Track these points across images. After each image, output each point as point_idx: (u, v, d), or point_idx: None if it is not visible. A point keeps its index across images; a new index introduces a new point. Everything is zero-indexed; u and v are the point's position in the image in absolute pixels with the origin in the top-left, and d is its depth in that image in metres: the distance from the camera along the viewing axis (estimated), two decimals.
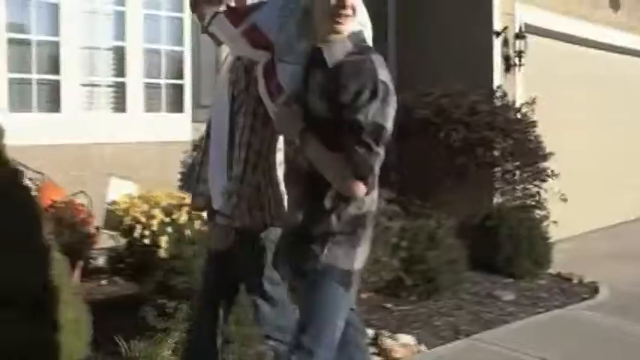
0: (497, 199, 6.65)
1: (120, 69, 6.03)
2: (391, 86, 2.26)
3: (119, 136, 5.88)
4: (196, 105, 6.32)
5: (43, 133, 5.48)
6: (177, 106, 6.30)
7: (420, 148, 6.29)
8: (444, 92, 6.32)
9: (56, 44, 5.64)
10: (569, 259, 6.75)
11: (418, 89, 6.59)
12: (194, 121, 6.28)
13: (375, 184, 2.35)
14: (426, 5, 7.41)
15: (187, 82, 6.31)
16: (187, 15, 6.18)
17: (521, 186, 6.63)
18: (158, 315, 3.88)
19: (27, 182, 3.82)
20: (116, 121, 5.95)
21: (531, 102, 6.52)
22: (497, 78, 7.00)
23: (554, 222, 6.48)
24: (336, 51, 2.33)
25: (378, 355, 4.34)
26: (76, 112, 5.75)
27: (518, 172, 6.49)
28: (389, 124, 2.26)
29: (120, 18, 5.99)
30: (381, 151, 2.26)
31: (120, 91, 6.04)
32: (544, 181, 6.50)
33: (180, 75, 6.28)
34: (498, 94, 6.49)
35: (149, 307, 3.90)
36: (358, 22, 2.44)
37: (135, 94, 6.02)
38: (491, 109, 6.21)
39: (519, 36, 7.03)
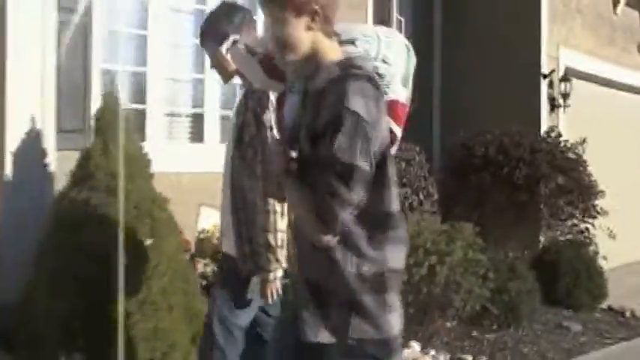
0: (545, 235, 6.94)
1: (199, 100, 6.20)
2: (368, 117, 1.90)
3: (198, 165, 6.01)
4: None
5: None
6: None
7: (480, 185, 6.55)
8: (503, 132, 6.62)
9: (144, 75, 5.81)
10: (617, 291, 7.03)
11: (473, 129, 6.91)
12: None
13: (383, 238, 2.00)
14: (474, 44, 7.75)
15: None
16: None
17: (570, 222, 6.94)
18: None
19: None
20: (194, 150, 6.09)
21: (582, 142, 6.86)
22: (544, 118, 7.36)
23: (604, 257, 6.79)
24: (318, 80, 2.01)
25: None
26: (158, 142, 5.88)
27: (569, 209, 6.79)
28: (361, 162, 1.90)
29: (199, 51, 6.17)
30: (352, 195, 1.91)
31: (198, 121, 6.19)
32: (594, 217, 6.81)
33: None
34: (553, 134, 6.82)
35: None
36: (356, 43, 2.17)
37: (211, 125, 6.18)
38: (549, 148, 6.53)
39: (564, 79, 7.41)
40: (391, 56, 2.24)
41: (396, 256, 2.04)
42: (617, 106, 8.80)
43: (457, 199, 6.64)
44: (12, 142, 3.98)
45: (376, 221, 2.00)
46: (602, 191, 6.77)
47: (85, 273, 3.32)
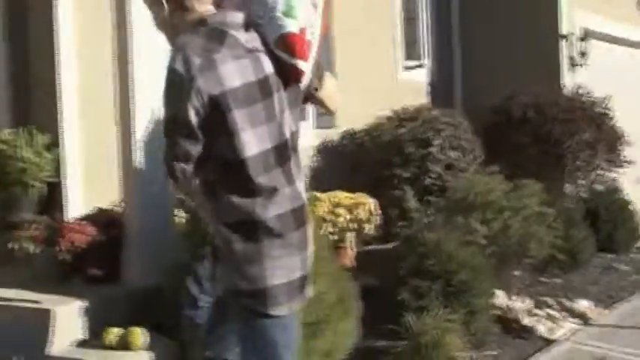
0: (576, 185, 7.44)
1: None
2: (183, 68, 1.97)
3: None
4: (318, 112, 6.80)
5: None
6: (301, 114, 6.74)
7: (517, 144, 6.98)
8: (538, 94, 7.06)
9: None
10: None
11: (494, 91, 7.34)
12: (317, 127, 6.78)
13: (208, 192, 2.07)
14: (492, 8, 8.13)
15: None
16: None
17: (595, 172, 7.46)
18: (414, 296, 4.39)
19: None
20: None
21: (608, 98, 7.35)
22: (565, 77, 7.83)
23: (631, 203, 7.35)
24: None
25: (573, 317, 5.00)
26: None
27: (595, 160, 7.29)
28: (169, 112, 2.03)
29: None
30: (176, 147, 2.01)
31: None
32: (621, 166, 7.34)
33: None
34: (581, 91, 7.29)
35: (404, 289, 4.40)
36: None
37: None
38: (582, 105, 7.01)
39: (582, 39, 7.89)
40: None
41: (270, 207, 2.04)
42: (635, 65, 9.29)
43: (494, 159, 7.06)
44: (139, 131, 4.21)
45: (235, 168, 2.02)
46: (628, 142, 7.29)
47: None
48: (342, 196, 5.54)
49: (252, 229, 2.05)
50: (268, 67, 2.10)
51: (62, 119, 5.03)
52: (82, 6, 4.98)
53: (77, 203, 5.11)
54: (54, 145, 5.00)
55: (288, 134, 2.13)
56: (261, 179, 2.05)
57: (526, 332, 4.74)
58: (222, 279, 2.19)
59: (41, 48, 5.00)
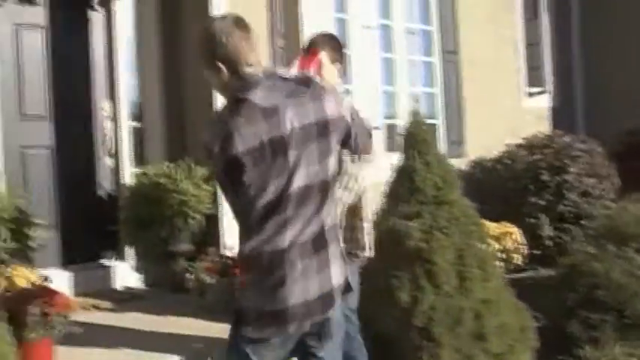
0: None
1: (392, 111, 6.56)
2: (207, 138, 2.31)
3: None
4: (450, 142, 6.82)
5: None
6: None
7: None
8: None
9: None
10: None
11: (620, 114, 7.22)
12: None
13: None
14: (612, 34, 8.01)
15: (440, 121, 6.82)
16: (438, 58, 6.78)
17: None
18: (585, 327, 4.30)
19: None
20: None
21: None
22: None
23: None
24: None
25: None
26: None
27: None
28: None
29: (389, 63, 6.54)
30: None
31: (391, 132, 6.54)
32: None
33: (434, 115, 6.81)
34: None
35: (574, 321, 4.32)
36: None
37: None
38: None
39: None
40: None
41: (247, 245, 2.29)
42: None
43: (630, 186, 6.89)
44: None
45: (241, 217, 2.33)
46: None
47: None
48: (490, 225, 5.51)
49: None
50: (289, 123, 2.25)
51: None
52: None
53: (233, 234, 5.25)
54: (211, 177, 5.16)
55: (298, 184, 2.28)
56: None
57: None
58: None
59: (198, 95, 5.21)
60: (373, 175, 3.07)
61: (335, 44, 3.21)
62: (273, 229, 2.26)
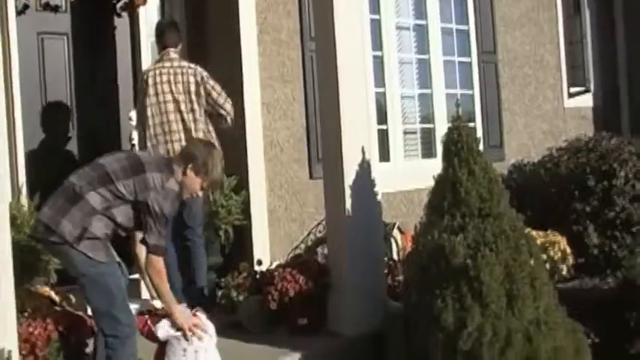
0: None
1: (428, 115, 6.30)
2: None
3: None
4: (488, 146, 6.53)
5: None
6: None
7: None
8: None
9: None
10: None
11: None
12: None
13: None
14: None
15: (478, 123, 6.54)
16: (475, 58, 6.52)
17: None
18: None
19: None
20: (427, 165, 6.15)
21: None
22: None
23: None
24: None
25: None
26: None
27: None
28: None
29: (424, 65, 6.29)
30: None
31: (428, 136, 6.28)
32: None
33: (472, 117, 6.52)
34: None
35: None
36: None
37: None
38: None
39: None
40: None
41: None
42: None
43: None
44: (348, 176, 4.05)
45: None
46: None
47: None
48: (534, 234, 5.22)
49: None
50: None
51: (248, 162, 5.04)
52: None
53: (263, 246, 5.05)
54: (240, 187, 4.97)
55: None
56: None
57: None
58: None
59: None
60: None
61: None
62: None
